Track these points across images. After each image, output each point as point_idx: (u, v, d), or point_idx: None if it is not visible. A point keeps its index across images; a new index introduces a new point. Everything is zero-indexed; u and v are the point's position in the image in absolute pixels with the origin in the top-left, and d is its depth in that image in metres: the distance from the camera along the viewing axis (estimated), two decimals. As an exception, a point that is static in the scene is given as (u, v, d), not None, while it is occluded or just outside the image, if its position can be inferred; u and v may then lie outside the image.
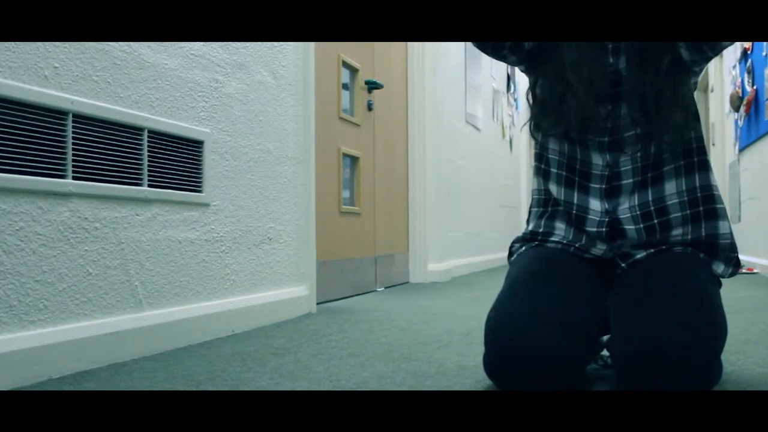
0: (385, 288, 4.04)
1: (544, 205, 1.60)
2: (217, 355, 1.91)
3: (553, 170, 1.54)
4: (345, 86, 3.55)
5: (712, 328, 1.33)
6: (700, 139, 1.50)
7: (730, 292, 1.56)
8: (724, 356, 1.47)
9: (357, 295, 3.61)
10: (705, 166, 1.50)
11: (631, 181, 1.47)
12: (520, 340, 1.31)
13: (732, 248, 1.50)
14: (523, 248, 1.59)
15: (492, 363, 1.37)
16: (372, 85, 3.82)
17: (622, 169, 1.47)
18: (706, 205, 1.49)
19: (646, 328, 1.28)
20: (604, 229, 1.47)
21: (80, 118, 1.70)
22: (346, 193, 3.57)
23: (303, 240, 2.82)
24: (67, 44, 1.67)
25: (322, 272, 3.13)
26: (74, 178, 1.68)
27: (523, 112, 7.57)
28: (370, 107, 3.87)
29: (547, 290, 1.39)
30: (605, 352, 1.63)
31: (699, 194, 1.48)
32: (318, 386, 1.52)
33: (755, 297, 3.35)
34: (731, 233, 1.51)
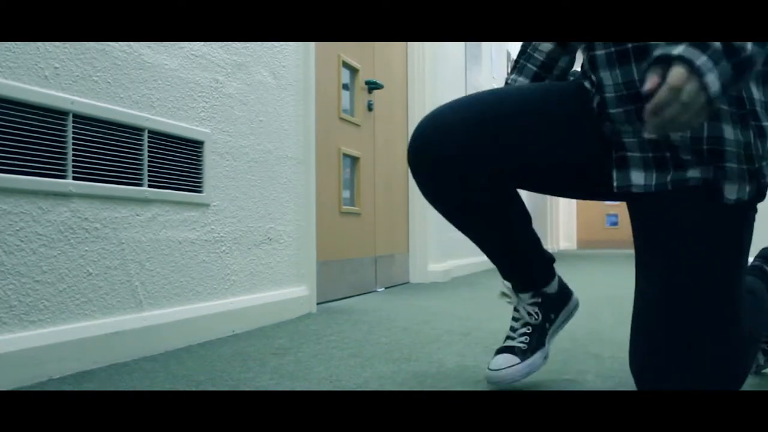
0: (386, 288, 4.03)
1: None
2: (218, 355, 1.91)
3: None
4: (345, 86, 3.55)
5: (725, 321, 1.27)
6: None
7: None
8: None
9: (357, 295, 3.61)
10: None
11: None
12: (433, 119, 1.35)
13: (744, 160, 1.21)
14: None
15: (409, 144, 1.41)
16: (372, 86, 3.82)
17: None
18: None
19: (657, 327, 1.25)
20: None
21: (80, 119, 1.70)
22: (346, 193, 3.57)
23: (303, 240, 2.82)
24: (68, 44, 1.67)
25: (323, 272, 3.13)
26: (74, 178, 1.68)
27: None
28: (370, 107, 3.87)
29: (503, 99, 1.36)
30: None
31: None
32: (318, 386, 1.52)
33: (755, 297, 3.33)
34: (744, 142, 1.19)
